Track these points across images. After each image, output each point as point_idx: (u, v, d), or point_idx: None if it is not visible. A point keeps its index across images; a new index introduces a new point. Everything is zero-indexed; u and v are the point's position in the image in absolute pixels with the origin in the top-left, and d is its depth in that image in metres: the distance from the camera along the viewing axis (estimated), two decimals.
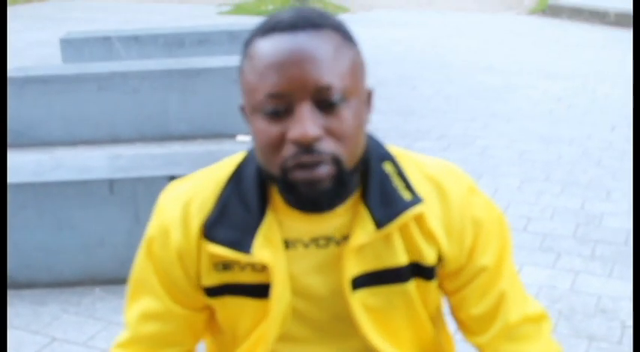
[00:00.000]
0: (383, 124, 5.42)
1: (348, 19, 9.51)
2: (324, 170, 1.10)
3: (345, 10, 10.99)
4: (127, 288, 1.35)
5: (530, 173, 4.56)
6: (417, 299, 1.28)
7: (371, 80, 6.71)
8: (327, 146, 1.10)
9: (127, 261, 3.30)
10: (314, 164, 1.09)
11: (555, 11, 10.16)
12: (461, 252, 1.27)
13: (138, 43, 6.53)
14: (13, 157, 4.41)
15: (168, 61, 5.59)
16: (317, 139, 1.08)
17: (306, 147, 1.09)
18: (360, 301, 1.25)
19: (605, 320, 2.97)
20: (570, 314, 3.01)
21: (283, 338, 1.29)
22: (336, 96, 1.09)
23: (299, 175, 1.10)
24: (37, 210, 3.21)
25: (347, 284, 1.23)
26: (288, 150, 1.10)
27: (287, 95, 1.08)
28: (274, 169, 1.13)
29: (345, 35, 1.15)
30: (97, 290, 3.26)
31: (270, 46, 1.10)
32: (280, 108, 1.09)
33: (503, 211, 3.96)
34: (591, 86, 6.52)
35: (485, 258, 1.29)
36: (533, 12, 10.49)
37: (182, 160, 3.35)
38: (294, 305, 1.27)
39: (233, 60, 5.45)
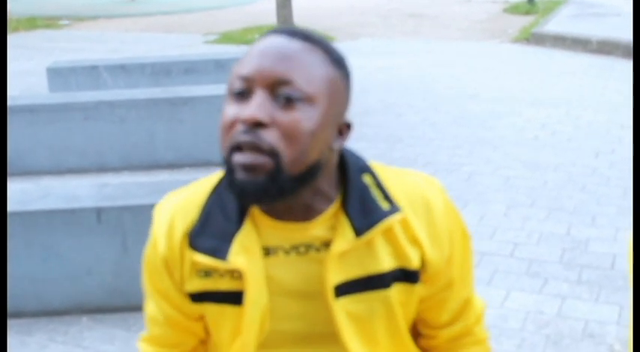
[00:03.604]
0: (369, 152, 5.44)
1: None
2: (261, 160, 1.15)
3: (331, 38, 11.07)
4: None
5: (516, 199, 4.59)
6: (397, 306, 1.32)
7: (357, 108, 6.77)
8: (270, 136, 1.15)
9: (115, 290, 3.30)
10: (251, 147, 1.15)
11: (539, 39, 10.26)
12: (441, 259, 1.33)
13: (125, 72, 6.55)
14: None
15: (155, 90, 5.61)
16: (262, 124, 1.15)
17: (250, 128, 1.15)
18: (342, 308, 1.28)
19: (593, 344, 2.98)
20: (558, 339, 3.03)
21: (265, 345, 1.32)
22: (295, 93, 1.16)
23: (238, 158, 1.16)
24: (24, 239, 3.20)
25: (330, 292, 1.27)
26: (237, 129, 1.17)
27: (251, 79, 1.17)
28: (225, 151, 1.19)
29: (333, 59, 1.22)
30: (85, 319, 3.25)
31: (259, 43, 1.21)
32: (244, 90, 1.18)
33: (490, 237, 4.00)
34: (575, 113, 6.59)
35: (454, 270, 1.36)
36: (517, 40, 10.60)
37: (169, 189, 3.34)
38: (275, 312, 1.29)
39: (220, 88, 5.47)
